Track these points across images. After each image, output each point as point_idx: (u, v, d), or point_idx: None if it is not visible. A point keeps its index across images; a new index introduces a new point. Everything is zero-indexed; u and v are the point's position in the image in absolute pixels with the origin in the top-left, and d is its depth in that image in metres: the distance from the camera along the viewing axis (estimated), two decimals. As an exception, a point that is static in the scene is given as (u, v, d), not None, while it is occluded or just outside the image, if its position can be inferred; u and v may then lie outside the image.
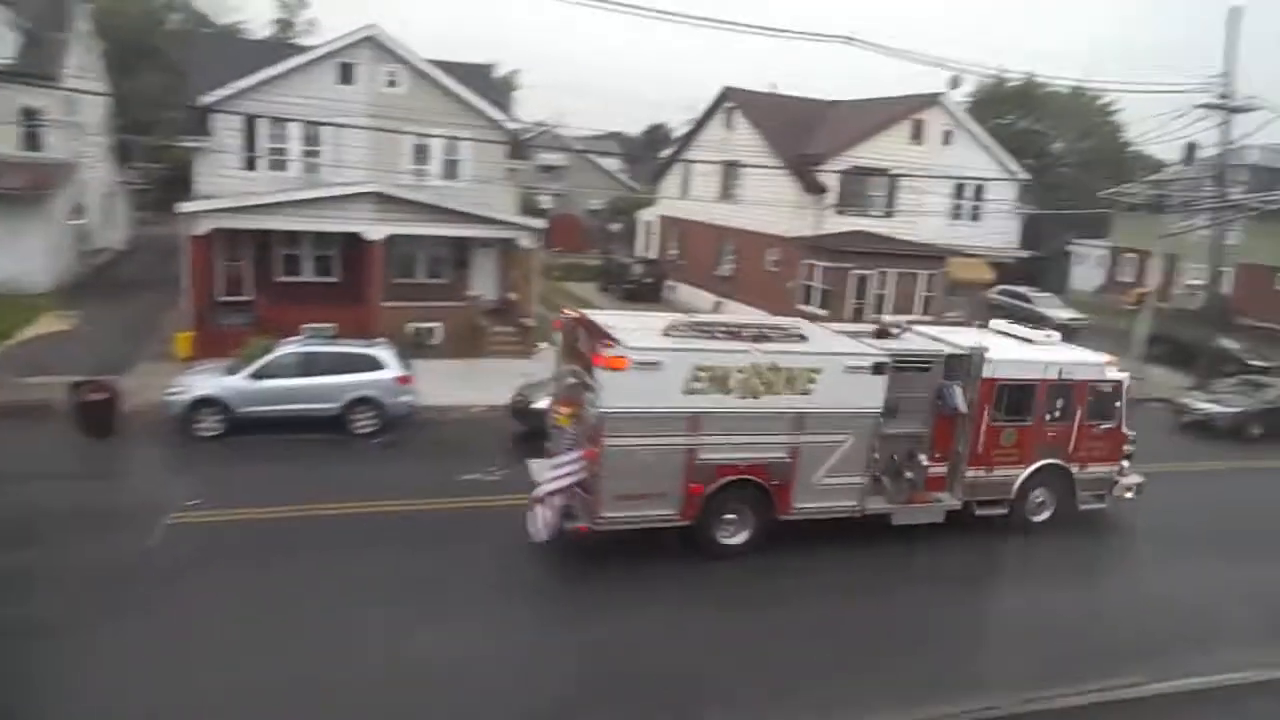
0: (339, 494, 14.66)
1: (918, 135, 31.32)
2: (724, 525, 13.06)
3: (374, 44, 24.40)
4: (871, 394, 13.13)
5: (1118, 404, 15.30)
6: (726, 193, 34.91)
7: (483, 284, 27.80)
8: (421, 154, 25.67)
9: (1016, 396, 14.54)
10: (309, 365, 17.86)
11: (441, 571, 12.40)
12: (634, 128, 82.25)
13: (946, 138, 31.84)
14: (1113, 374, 15.32)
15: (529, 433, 17.79)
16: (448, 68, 25.75)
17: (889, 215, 31.18)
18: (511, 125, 27.46)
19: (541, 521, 12.25)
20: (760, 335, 13.17)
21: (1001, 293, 39.26)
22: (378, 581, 11.91)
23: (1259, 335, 37.39)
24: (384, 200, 23.34)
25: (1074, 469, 15.22)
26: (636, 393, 11.84)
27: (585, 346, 12.84)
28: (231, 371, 17.68)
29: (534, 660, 10.54)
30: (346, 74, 24.43)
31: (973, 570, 14.04)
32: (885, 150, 30.60)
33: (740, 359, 12.44)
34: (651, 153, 62.66)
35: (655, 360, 11.96)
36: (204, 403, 17.11)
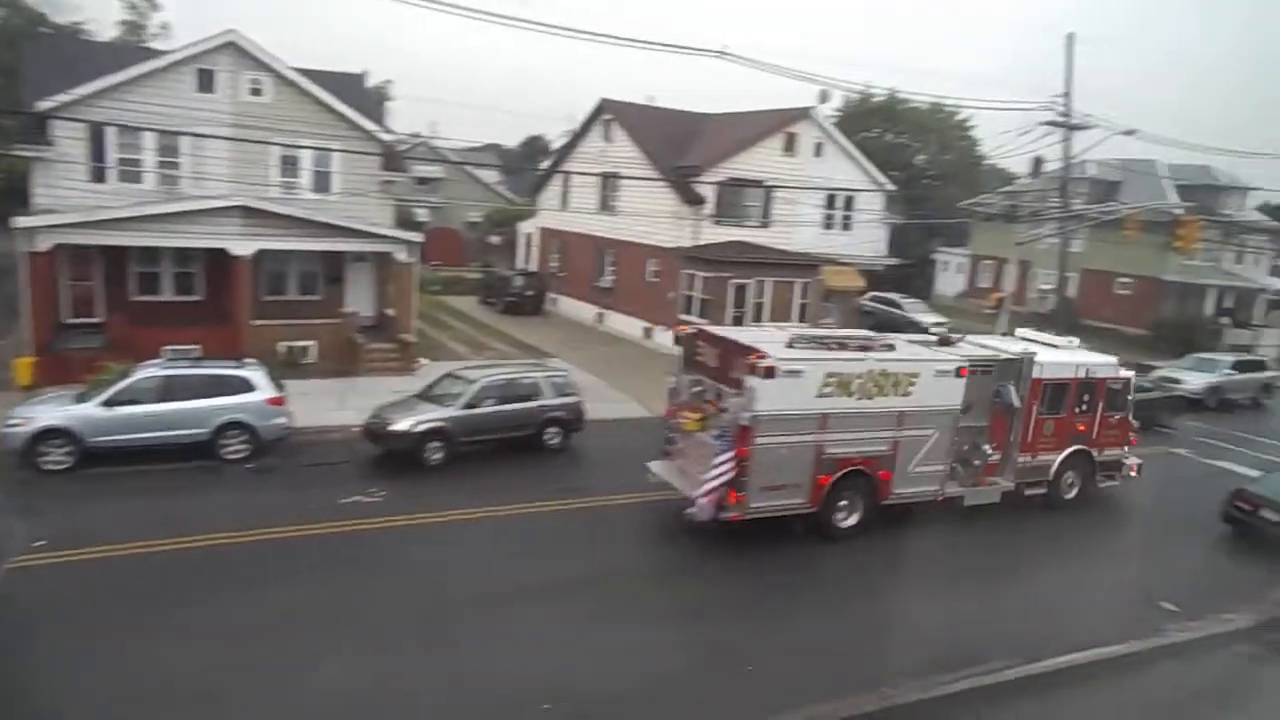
0: (209, 524, 13.75)
1: (790, 148, 32.30)
2: (840, 511, 14.88)
3: (236, 50, 23.20)
4: (954, 394, 15.31)
5: (1128, 397, 18.13)
6: (606, 204, 35.05)
7: (358, 299, 26.88)
8: (290, 165, 24.58)
9: (1055, 393, 17.10)
10: (171, 389, 16.72)
11: (328, 602, 11.81)
12: (512, 139, 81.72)
13: (818, 150, 32.96)
14: (1123, 373, 18.15)
15: (387, 455, 17.36)
16: (317, 76, 24.80)
17: (765, 225, 32.00)
18: (385, 136, 26.68)
19: (706, 514, 13.83)
20: (863, 345, 15.11)
21: (873, 299, 41.01)
22: (260, 619, 11.23)
23: (1103, 335, 40.40)
24: (251, 214, 22.23)
25: (1095, 453, 17.91)
26: (781, 398, 13.59)
27: (710, 358, 14.89)
28: (81, 399, 16.37)
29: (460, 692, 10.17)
30: (206, 81, 23.12)
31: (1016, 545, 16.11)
32: (760, 162, 31.44)
33: (859, 366, 14.37)
34: (530, 164, 62.34)
35: (798, 369, 13.78)
36: (49, 434, 15.71)
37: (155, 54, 25.29)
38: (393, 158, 27.49)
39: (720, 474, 13.65)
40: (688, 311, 30.30)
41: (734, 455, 13.59)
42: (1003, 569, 14.94)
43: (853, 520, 14.99)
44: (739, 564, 14.06)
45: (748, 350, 13.88)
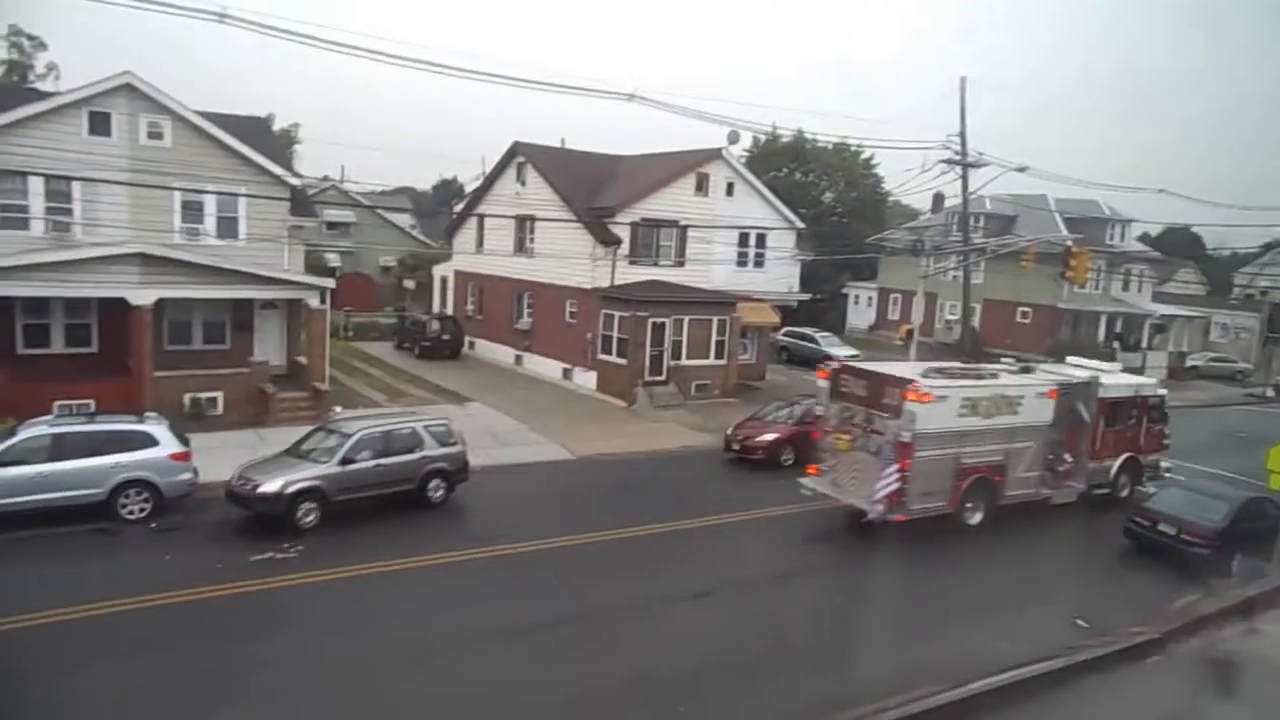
0: (105, 591, 12.92)
1: (703, 187, 32.90)
2: (968, 511, 17.78)
3: (132, 92, 22.41)
4: (1046, 412, 18.64)
5: (1164, 411, 22.11)
6: (522, 246, 34.98)
7: (268, 348, 26.01)
8: (194, 211, 23.74)
9: (1115, 409, 20.74)
10: (62, 448, 15.74)
11: (235, 668, 11.20)
12: (424, 182, 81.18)
13: (729, 189, 33.67)
14: (1160, 390, 22.31)
15: (254, 520, 16.02)
16: (220, 120, 24.16)
17: (681, 264, 32.40)
18: (293, 180, 26.08)
19: (879, 516, 16.48)
20: (977, 374, 18.73)
21: (787, 334, 41.89)
22: (159, 690, 10.56)
23: (1005, 362, 42.05)
24: (150, 261, 21.37)
25: (1141, 458, 21.43)
26: (932, 419, 16.53)
27: (857, 389, 17.76)
28: (-42, 462, 15.25)
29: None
30: (101, 124, 22.23)
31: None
32: (673, 202, 31.94)
33: (984, 391, 17.72)
34: (444, 207, 61.89)
35: (945, 395, 16.90)
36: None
37: (42, 95, 24.26)
38: (302, 202, 26.91)
39: (888, 483, 16.32)
40: (607, 352, 30.35)
41: (899, 467, 16.32)
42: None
43: (977, 518, 17.94)
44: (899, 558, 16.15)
45: (902, 381, 16.86)
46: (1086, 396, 19.72)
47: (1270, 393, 44.70)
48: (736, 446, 23.29)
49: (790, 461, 22.41)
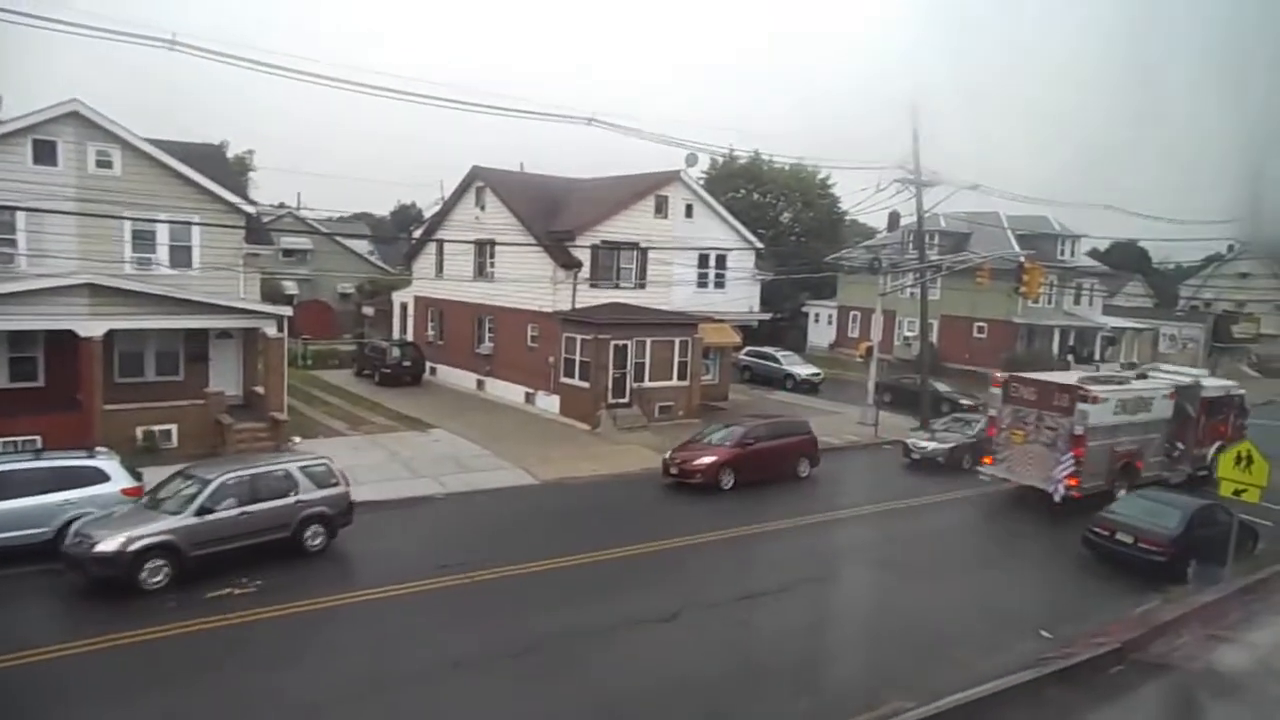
0: (53, 634, 12.52)
1: (662, 210, 33.09)
2: (1117, 488, 21.23)
3: (79, 120, 21.99)
4: (1167, 409, 23.21)
5: (1244, 407, 26.48)
6: (482, 271, 34.84)
7: (224, 378, 25.52)
8: (145, 240, 23.30)
9: (1212, 406, 24.95)
10: (6, 486, 15.17)
11: (197, 706, 10.86)
12: (382, 208, 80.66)
13: (688, 211, 33.89)
14: (1241, 390, 26.96)
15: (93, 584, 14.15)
16: (172, 147, 23.81)
17: (642, 286, 32.49)
18: (248, 207, 25.72)
19: (1059, 495, 20.74)
20: (1120, 380, 24.01)
21: (749, 354, 42.12)
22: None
23: (963, 376, 42.74)
24: (99, 292, 20.89)
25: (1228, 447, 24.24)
26: (1098, 416, 20.96)
27: (1028, 394, 22.12)
28: (-101, 503, 14.68)
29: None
30: (47, 152, 21.76)
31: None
32: (633, 225, 32.07)
33: (1130, 393, 22.42)
34: (402, 233, 61.51)
35: (1107, 398, 21.37)
36: None
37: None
38: (257, 229, 26.54)
39: (1066, 468, 20.60)
40: (570, 375, 30.26)
41: (1074, 455, 20.64)
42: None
43: (1122, 493, 20.55)
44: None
45: (1072, 388, 21.36)
46: (1193, 397, 24.21)
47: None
48: (674, 470, 22.64)
49: (731, 484, 22.20)
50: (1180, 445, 23.55)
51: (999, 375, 23.51)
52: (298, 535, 16.17)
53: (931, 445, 26.42)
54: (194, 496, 15.09)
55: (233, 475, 15.74)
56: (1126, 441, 22.01)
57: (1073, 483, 20.60)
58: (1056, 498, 20.65)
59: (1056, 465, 20.83)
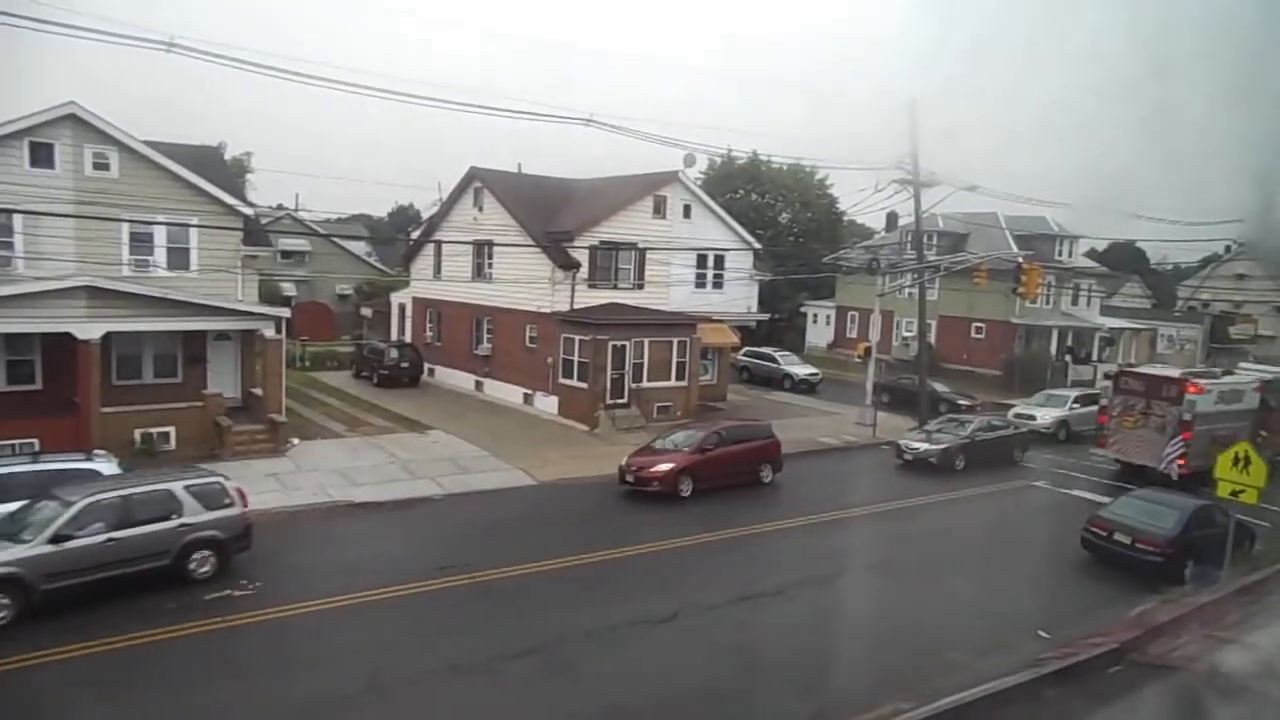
0: (54, 636, 12.49)
1: (660, 210, 33.09)
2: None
3: (76, 122, 21.97)
4: (1253, 400, 25.95)
5: None
6: (481, 272, 34.83)
7: (222, 380, 25.51)
8: (143, 242, 23.30)
9: None
10: (3, 490, 15.13)
11: (197, 709, 10.85)
12: (380, 209, 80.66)
13: (686, 212, 33.89)
14: None
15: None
16: (170, 149, 23.79)
17: (640, 287, 32.50)
18: (246, 209, 25.73)
19: (1175, 473, 23.46)
20: (1207, 374, 26.50)
21: (747, 354, 42.13)
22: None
23: (961, 377, 42.82)
24: (97, 294, 20.89)
25: None
26: (1203, 405, 23.99)
27: (1137, 386, 25.28)
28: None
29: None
30: (44, 155, 21.74)
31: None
32: (631, 225, 32.07)
33: (1225, 385, 25.47)
34: (400, 234, 61.49)
35: (1210, 389, 24.52)
36: None
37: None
38: (255, 231, 26.53)
39: (1177, 450, 23.66)
40: (568, 376, 30.26)
41: (1183, 439, 23.57)
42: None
43: None
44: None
45: (1180, 379, 24.51)
46: (1276, 390, 27.61)
47: (1216, 401, 45.86)
48: (631, 478, 21.64)
49: (688, 492, 21.30)
50: (1264, 433, 25.52)
51: (1113, 368, 27.13)
52: (179, 563, 14.62)
53: (924, 446, 26.32)
54: (48, 522, 13.52)
55: (103, 496, 14.23)
56: (1222, 428, 24.09)
57: (1181, 462, 23.47)
58: (1173, 476, 23.33)
59: (1167, 447, 23.96)
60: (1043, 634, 14.12)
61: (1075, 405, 32.72)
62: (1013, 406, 33.90)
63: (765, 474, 23.45)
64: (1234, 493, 15.23)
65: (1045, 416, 31.90)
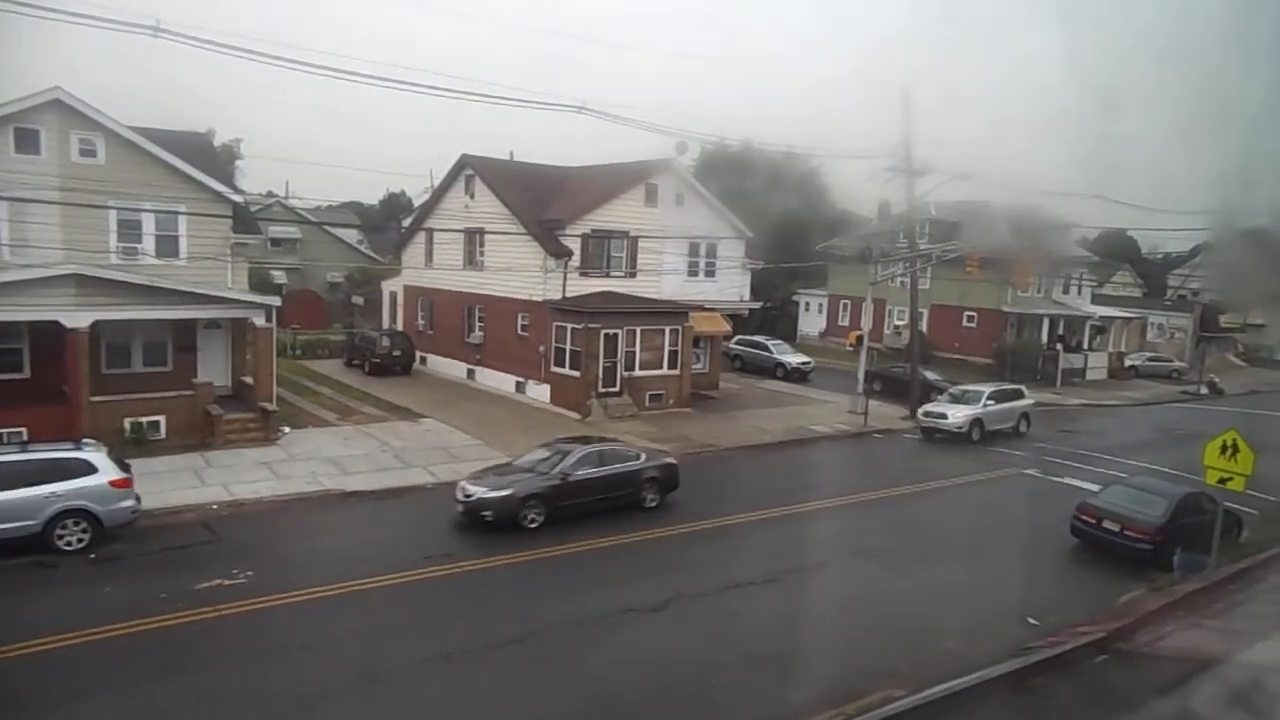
0: (44, 626, 12.44)
1: (652, 198, 32.98)
2: None
3: (61, 108, 21.76)
4: None
5: None
6: (472, 260, 34.72)
7: (213, 369, 25.41)
8: (131, 230, 23.13)
9: None
10: (-10, 479, 15.12)
11: (188, 699, 10.85)
12: (371, 197, 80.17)
13: (679, 199, 33.80)
14: None
15: None
16: (157, 135, 23.58)
17: (632, 275, 32.44)
18: (235, 197, 25.56)
19: None
20: None
21: (740, 343, 42.15)
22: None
23: (953, 365, 42.96)
24: (85, 282, 20.73)
25: None
26: None
27: None
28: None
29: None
30: (29, 141, 21.55)
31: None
32: (623, 213, 31.98)
33: None
34: (392, 222, 61.19)
35: None
36: None
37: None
38: (245, 219, 26.36)
39: None
40: (560, 364, 30.23)
41: None
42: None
43: None
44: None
45: None
46: None
47: (1204, 390, 46.17)
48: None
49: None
50: None
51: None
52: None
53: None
54: None
55: None
56: None
57: None
58: None
59: None
60: (1031, 620, 14.22)
61: (990, 402, 29.80)
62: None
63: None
64: (1222, 480, 15.32)
65: (956, 415, 28.98)
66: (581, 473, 18.66)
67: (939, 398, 31.53)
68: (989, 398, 29.91)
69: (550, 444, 20.27)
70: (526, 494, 17.74)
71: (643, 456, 20.22)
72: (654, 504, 19.71)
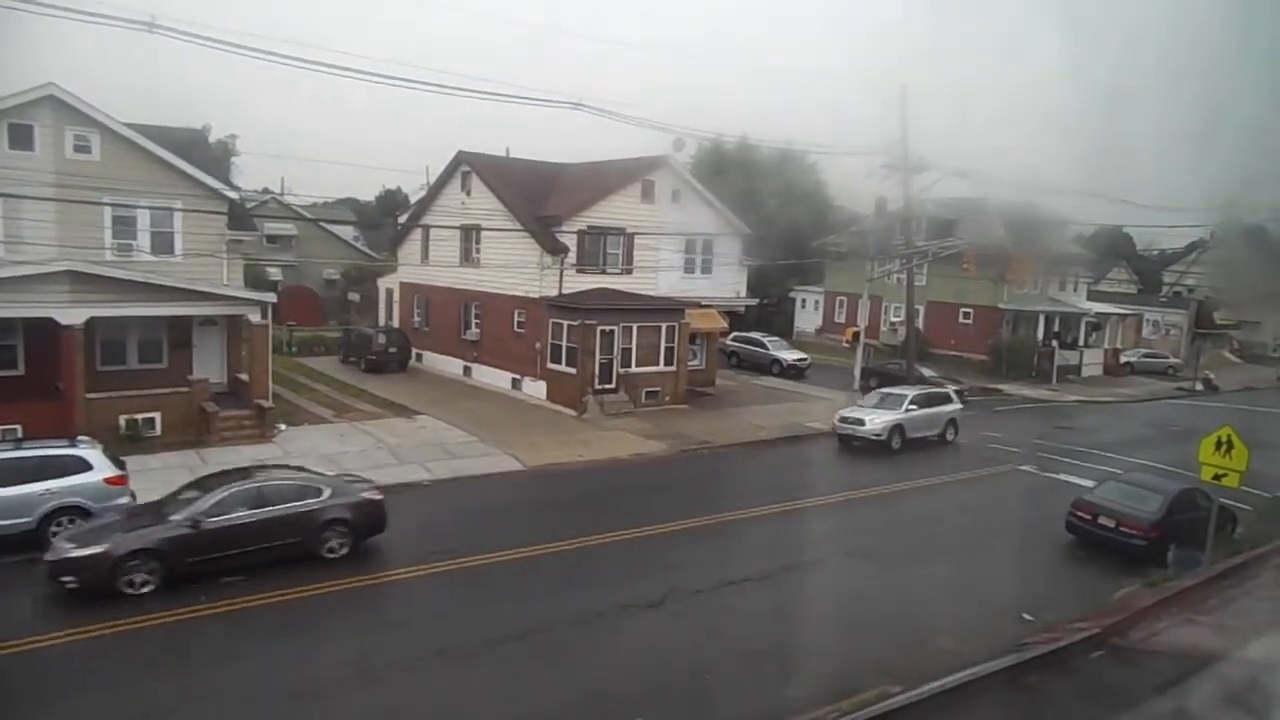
0: (38, 623, 12.47)
1: (649, 195, 32.94)
2: None
3: (56, 103, 21.69)
4: None
5: None
6: (469, 257, 34.67)
7: (208, 365, 25.35)
8: (126, 226, 23.08)
9: None
10: (-15, 477, 15.06)
11: (187, 694, 10.84)
12: (367, 193, 79.98)
13: (675, 196, 33.73)
14: None
15: None
16: (153, 132, 23.52)
17: (628, 272, 32.40)
18: (231, 193, 25.50)
19: None
20: None
21: (736, 339, 42.16)
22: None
23: (949, 361, 43.02)
24: (80, 279, 20.66)
25: None
26: None
27: None
28: None
29: None
30: (23, 137, 21.49)
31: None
32: (619, 210, 31.95)
33: None
34: (388, 218, 61.08)
35: None
36: None
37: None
38: (241, 215, 26.31)
39: None
40: (556, 361, 30.21)
41: None
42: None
43: None
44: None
45: None
46: None
47: (1199, 386, 46.27)
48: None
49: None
50: None
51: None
52: None
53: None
54: None
55: None
56: None
57: None
58: None
59: None
60: (1027, 616, 14.25)
61: (913, 407, 27.57)
62: (1000, 389, 33.85)
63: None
64: (1216, 476, 15.36)
65: (875, 422, 26.65)
66: (222, 518, 14.34)
67: (860, 401, 29.36)
68: (912, 402, 27.65)
69: (206, 478, 16.19)
70: (129, 550, 13.55)
71: (326, 492, 15.67)
72: (342, 552, 15.43)
